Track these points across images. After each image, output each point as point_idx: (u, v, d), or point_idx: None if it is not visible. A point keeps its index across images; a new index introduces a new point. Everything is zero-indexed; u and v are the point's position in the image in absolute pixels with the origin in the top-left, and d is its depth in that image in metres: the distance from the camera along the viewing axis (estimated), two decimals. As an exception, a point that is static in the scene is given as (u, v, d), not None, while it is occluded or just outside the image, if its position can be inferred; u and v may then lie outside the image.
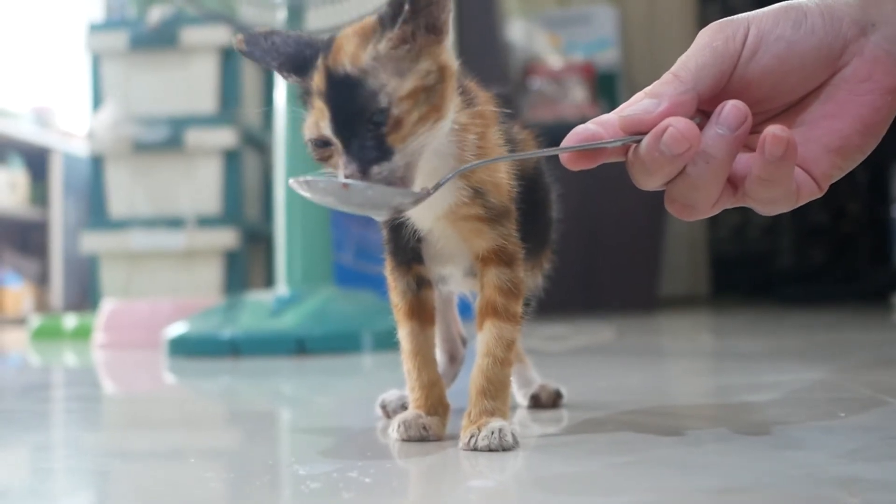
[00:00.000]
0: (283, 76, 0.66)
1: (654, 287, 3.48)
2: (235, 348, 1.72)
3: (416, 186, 0.63)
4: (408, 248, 0.72)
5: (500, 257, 0.69)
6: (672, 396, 1.08)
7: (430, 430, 0.71)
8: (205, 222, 2.93)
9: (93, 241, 3.00)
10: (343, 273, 2.66)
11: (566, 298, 2.98)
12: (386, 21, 0.61)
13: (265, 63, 0.66)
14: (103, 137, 2.95)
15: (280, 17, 1.81)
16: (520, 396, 0.90)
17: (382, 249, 0.75)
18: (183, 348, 1.77)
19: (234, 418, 1.02)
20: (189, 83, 2.99)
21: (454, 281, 0.76)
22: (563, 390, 0.90)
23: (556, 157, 0.64)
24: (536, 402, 0.89)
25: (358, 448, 0.72)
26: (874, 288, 3.46)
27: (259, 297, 1.94)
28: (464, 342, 0.90)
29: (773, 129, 0.59)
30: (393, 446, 0.70)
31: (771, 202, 0.63)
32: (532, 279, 0.81)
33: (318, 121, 0.62)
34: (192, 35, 2.94)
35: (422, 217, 0.70)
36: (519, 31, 3.71)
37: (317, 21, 1.78)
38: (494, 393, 0.68)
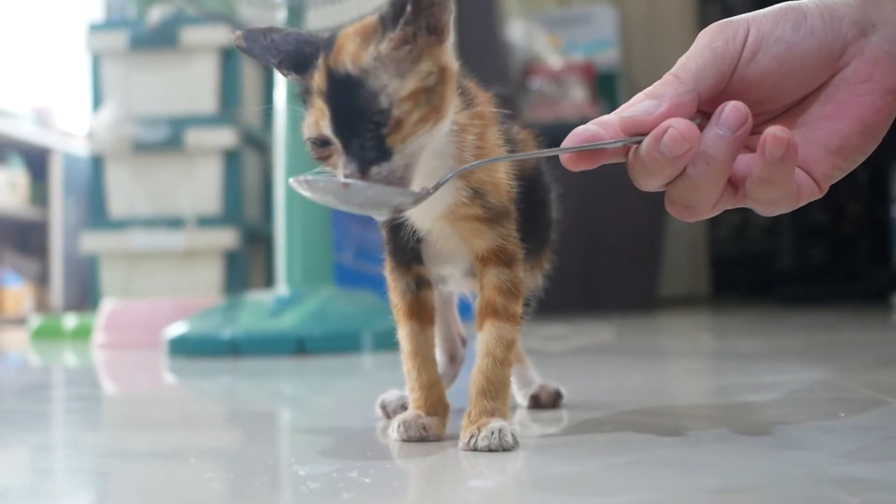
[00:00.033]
0: (283, 74, 0.66)
1: (654, 287, 3.49)
2: (235, 348, 1.72)
3: (416, 186, 0.63)
4: (407, 249, 0.72)
5: (499, 257, 0.69)
6: (672, 396, 1.08)
7: (430, 431, 0.71)
8: (205, 222, 2.93)
9: (93, 241, 3.00)
10: (343, 273, 2.66)
11: (566, 298, 2.98)
12: (387, 21, 0.61)
13: (264, 60, 0.66)
14: (103, 137, 2.95)
15: (280, 17, 1.81)
16: (520, 397, 0.90)
17: (382, 250, 0.75)
18: (183, 348, 1.77)
19: (234, 418, 1.02)
20: (189, 83, 2.99)
21: (454, 281, 0.76)
22: (563, 390, 0.90)
23: (556, 157, 0.64)
24: (536, 403, 0.89)
25: (358, 448, 0.72)
26: (874, 288, 3.46)
27: (259, 297, 1.94)
28: (464, 342, 0.90)
29: (773, 130, 0.59)
30: (393, 446, 0.70)
31: (771, 203, 0.63)
32: (532, 279, 0.81)
33: (318, 120, 0.62)
34: (192, 35, 2.94)
35: (421, 217, 0.70)
36: (519, 31, 3.71)
37: (317, 21, 1.78)
38: (494, 393, 0.68)
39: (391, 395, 0.86)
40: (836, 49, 0.63)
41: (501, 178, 0.69)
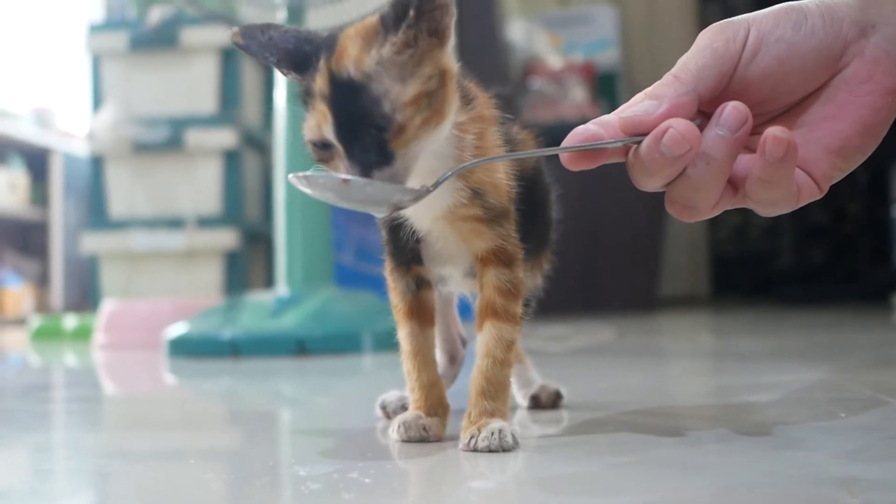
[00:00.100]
0: (282, 73, 0.65)
1: (654, 287, 3.49)
2: (236, 349, 1.72)
3: (415, 185, 0.63)
4: (407, 249, 0.72)
5: (499, 258, 0.69)
6: (672, 397, 1.08)
7: (430, 431, 0.71)
8: (205, 223, 2.93)
9: (93, 242, 3.00)
10: (343, 273, 2.66)
11: (566, 299, 2.98)
12: (388, 23, 0.61)
13: (263, 58, 0.65)
14: (103, 138, 2.95)
15: (280, 17, 1.82)
16: (520, 397, 0.90)
17: (382, 250, 0.75)
18: (183, 349, 1.77)
19: (235, 419, 1.02)
20: (189, 83, 2.99)
21: (454, 281, 0.76)
22: (563, 391, 0.90)
23: (556, 157, 0.64)
24: (536, 403, 0.89)
25: (358, 449, 0.72)
26: (874, 288, 3.46)
27: (259, 298, 1.94)
28: (463, 343, 0.90)
29: (773, 131, 0.59)
30: (393, 447, 0.70)
31: (771, 203, 0.63)
32: (532, 279, 0.81)
33: (321, 124, 0.61)
34: (192, 35, 2.94)
35: (420, 217, 0.70)
36: (519, 31, 3.71)
37: (317, 21, 1.78)
38: (494, 394, 0.68)
39: (391, 396, 0.86)
40: (837, 49, 0.63)
41: (501, 178, 0.69)
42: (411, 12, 0.60)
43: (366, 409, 0.91)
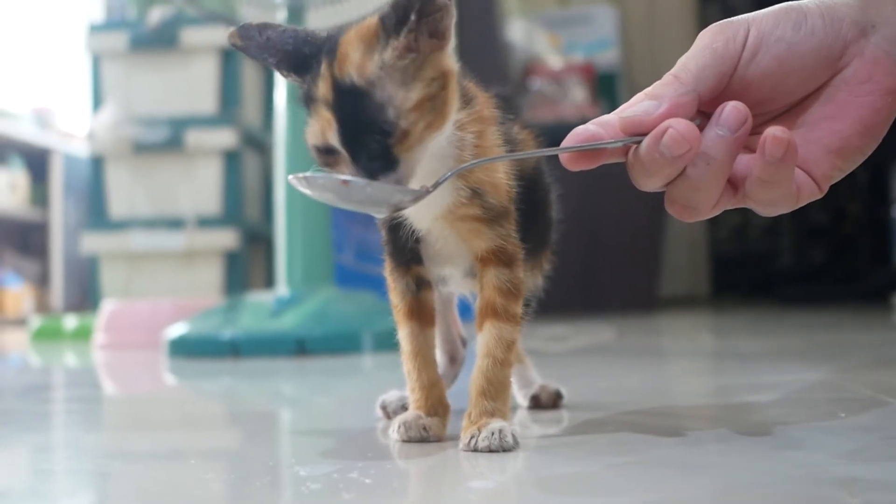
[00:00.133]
0: (282, 74, 0.65)
1: (654, 287, 3.49)
2: (236, 349, 1.72)
3: (415, 186, 0.63)
4: (406, 249, 0.72)
5: (499, 258, 0.69)
6: (672, 397, 1.08)
7: (431, 431, 0.71)
8: (205, 223, 2.93)
9: (93, 242, 3.00)
10: (343, 274, 2.66)
11: (566, 299, 2.98)
12: (389, 26, 0.61)
13: (262, 60, 0.65)
14: (103, 138, 2.95)
15: (280, 17, 1.82)
16: (520, 397, 0.90)
17: (382, 250, 0.75)
18: (183, 349, 1.77)
19: (235, 419, 1.02)
20: (189, 84, 2.99)
21: (454, 282, 0.76)
22: (564, 391, 0.90)
23: (556, 157, 0.64)
24: (537, 403, 0.89)
25: (358, 449, 0.72)
26: (874, 288, 3.46)
27: (259, 298, 1.94)
28: (464, 343, 0.90)
29: (773, 131, 0.59)
30: (393, 447, 0.70)
31: (771, 203, 0.63)
32: (532, 279, 0.81)
33: (325, 130, 0.61)
34: (192, 36, 2.94)
35: (420, 217, 0.70)
36: (519, 31, 3.71)
37: (317, 21, 1.78)
38: (494, 394, 0.68)
39: (391, 396, 0.86)
40: (837, 49, 0.63)
41: (501, 178, 0.69)
42: (412, 16, 0.60)
43: (366, 409, 0.91)
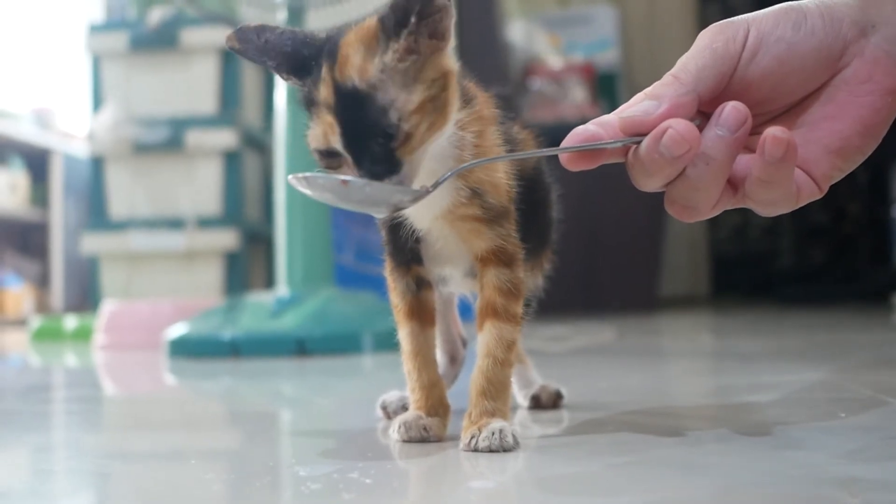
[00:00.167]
0: (281, 77, 0.65)
1: (654, 287, 3.49)
2: (236, 349, 1.72)
3: (415, 185, 0.63)
4: (406, 249, 0.72)
5: (499, 258, 0.69)
6: (672, 397, 1.08)
7: (431, 431, 0.71)
8: (205, 223, 2.93)
9: (93, 243, 3.00)
10: (343, 274, 2.66)
11: (566, 299, 2.98)
12: (389, 28, 0.60)
13: (261, 62, 0.65)
14: (104, 138, 2.95)
15: (280, 18, 1.82)
16: (520, 397, 0.90)
17: (382, 250, 0.75)
18: (183, 349, 1.77)
19: (235, 419, 1.02)
20: (189, 84, 2.99)
21: (454, 282, 0.76)
22: (564, 391, 0.90)
23: (556, 157, 0.64)
24: (537, 403, 0.89)
25: (358, 449, 0.72)
26: (874, 288, 3.46)
27: (259, 298, 1.94)
28: (464, 343, 0.90)
29: (772, 131, 0.59)
30: (393, 447, 0.70)
31: (771, 203, 0.63)
32: (532, 279, 0.81)
33: (328, 134, 0.61)
34: (193, 36, 2.94)
35: (420, 217, 0.70)
36: (519, 32, 3.71)
37: (317, 22, 1.78)
38: (495, 394, 0.68)
39: (392, 396, 0.86)
40: (837, 49, 0.63)
41: (500, 178, 0.69)
42: (412, 18, 0.60)
43: (366, 410, 0.91)
